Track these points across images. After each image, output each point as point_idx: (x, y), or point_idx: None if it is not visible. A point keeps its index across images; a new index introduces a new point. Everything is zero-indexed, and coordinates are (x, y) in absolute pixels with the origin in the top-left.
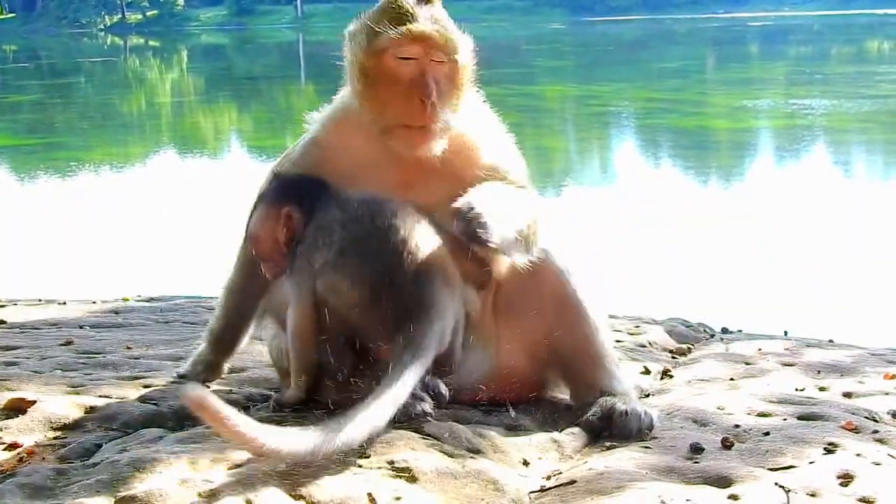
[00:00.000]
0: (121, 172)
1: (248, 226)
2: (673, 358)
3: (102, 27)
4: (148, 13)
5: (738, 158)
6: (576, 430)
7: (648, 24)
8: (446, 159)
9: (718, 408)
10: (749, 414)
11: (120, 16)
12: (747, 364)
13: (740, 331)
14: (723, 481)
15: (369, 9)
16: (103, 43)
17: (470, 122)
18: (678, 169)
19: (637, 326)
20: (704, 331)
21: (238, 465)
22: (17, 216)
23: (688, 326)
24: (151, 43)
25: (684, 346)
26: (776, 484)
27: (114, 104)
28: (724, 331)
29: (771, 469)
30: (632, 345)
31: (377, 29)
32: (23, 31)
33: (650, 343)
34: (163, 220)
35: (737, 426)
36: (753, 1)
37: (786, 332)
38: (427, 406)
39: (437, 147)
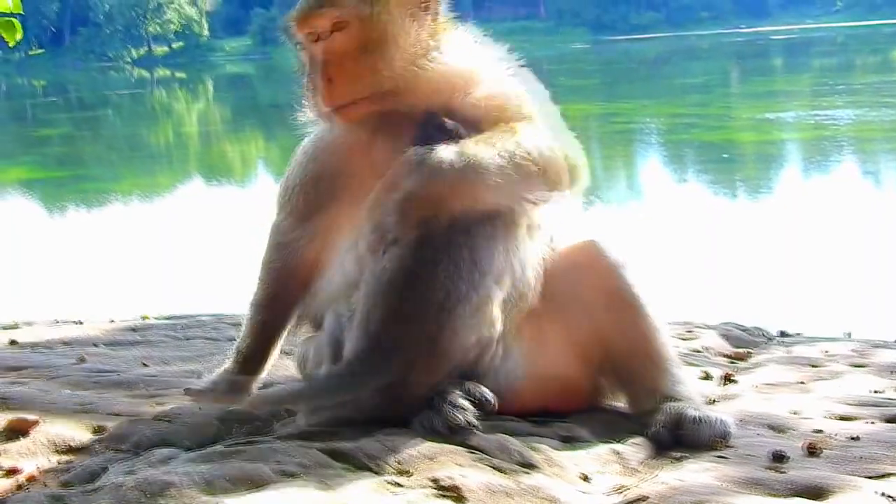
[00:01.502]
0: (148, 202)
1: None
2: (731, 363)
3: (129, 60)
4: (174, 45)
5: (765, 171)
6: (639, 440)
7: (671, 41)
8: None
9: (793, 412)
10: (829, 418)
11: (146, 49)
12: (814, 367)
13: (799, 334)
14: (816, 492)
15: None
16: (130, 76)
17: (447, 62)
18: (706, 181)
19: (689, 331)
20: (762, 334)
21: (259, 486)
22: (45, 244)
23: (743, 330)
24: (178, 74)
25: (742, 350)
26: (881, 493)
27: (141, 136)
28: (783, 334)
29: (869, 477)
30: (686, 350)
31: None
32: (51, 66)
33: (705, 348)
34: (190, 243)
35: (819, 431)
36: (776, 14)
37: (849, 334)
38: (471, 416)
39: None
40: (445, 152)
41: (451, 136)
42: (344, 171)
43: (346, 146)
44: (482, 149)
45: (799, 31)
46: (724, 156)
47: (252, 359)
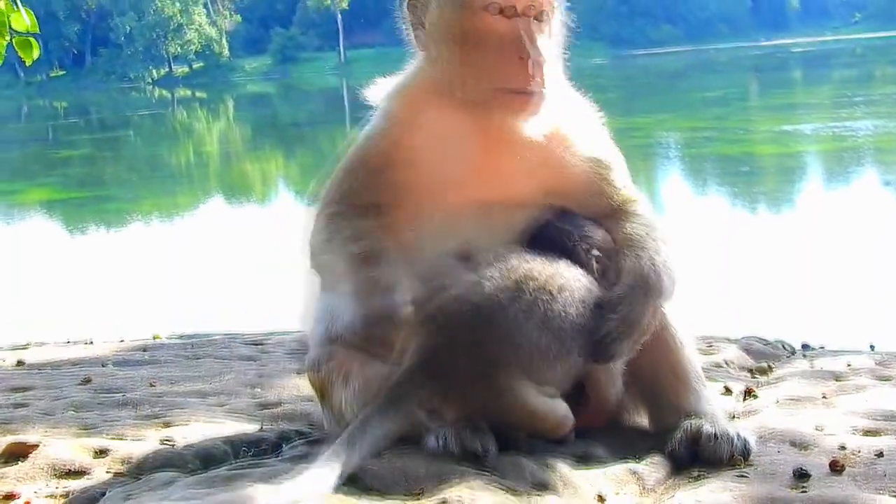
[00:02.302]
0: (168, 222)
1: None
2: (753, 377)
3: (150, 81)
4: (194, 65)
5: (785, 183)
6: (658, 458)
7: (690, 56)
8: (542, 144)
9: (817, 428)
10: (854, 433)
11: (167, 69)
12: (838, 380)
13: (822, 347)
14: None
15: None
16: (151, 96)
17: (562, 99)
18: (726, 194)
19: (710, 345)
20: (784, 347)
21: None
22: (64, 264)
23: (765, 344)
24: (198, 94)
25: (764, 364)
26: None
27: (162, 156)
28: (805, 347)
29: (894, 495)
30: (707, 365)
31: None
32: (73, 88)
33: (726, 362)
34: (208, 262)
35: (843, 447)
36: (794, 27)
37: (872, 347)
38: (489, 441)
39: (541, 118)
40: (661, 280)
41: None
42: (406, 155)
43: (420, 130)
44: (670, 269)
45: (818, 44)
46: (744, 169)
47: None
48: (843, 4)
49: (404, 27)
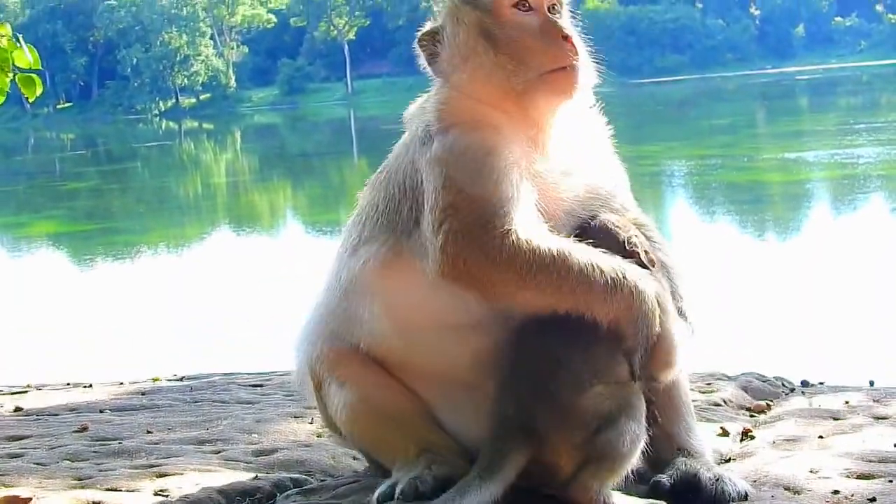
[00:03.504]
0: (176, 254)
1: None
2: (752, 416)
3: (157, 112)
4: (201, 97)
5: (793, 210)
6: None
7: (697, 83)
8: (576, 140)
9: (811, 471)
10: (848, 477)
11: (174, 100)
12: (836, 420)
13: (822, 383)
14: None
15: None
16: (158, 128)
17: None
18: (731, 223)
19: (709, 384)
20: (783, 385)
21: None
22: (70, 299)
23: (764, 381)
24: (205, 126)
25: (763, 402)
26: None
27: (169, 187)
28: (805, 384)
29: None
30: (705, 404)
31: None
32: (80, 120)
33: (725, 401)
34: (216, 299)
35: (836, 492)
36: (801, 55)
37: (871, 383)
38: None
39: (583, 90)
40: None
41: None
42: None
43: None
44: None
45: (824, 71)
46: (746, 198)
47: None
48: (848, 32)
49: (421, 62)
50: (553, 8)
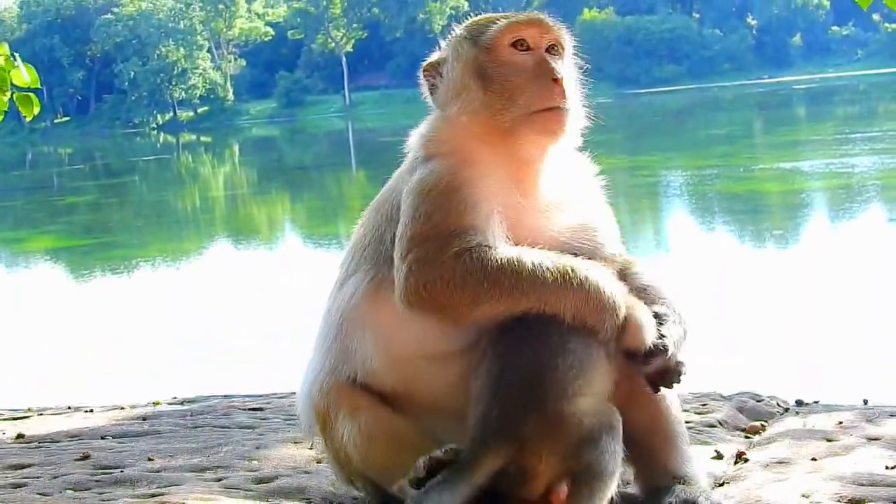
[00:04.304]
0: (174, 269)
1: None
2: (746, 437)
3: (155, 126)
4: (199, 110)
5: (789, 221)
6: None
7: (694, 94)
8: (562, 182)
9: (803, 495)
10: (839, 501)
11: (172, 114)
12: (829, 441)
13: (816, 402)
14: None
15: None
16: (156, 141)
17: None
18: (728, 234)
19: (704, 405)
20: (777, 405)
21: None
22: (68, 315)
23: (759, 401)
24: (203, 139)
25: (757, 423)
26: None
27: (168, 201)
28: (799, 403)
29: None
30: (700, 425)
31: (487, 24)
32: (77, 134)
33: (720, 422)
34: (215, 313)
35: None
36: (798, 64)
37: (865, 401)
38: None
39: (570, 134)
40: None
41: None
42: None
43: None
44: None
45: (820, 81)
46: (743, 208)
47: None
48: (844, 42)
49: (422, 92)
50: (552, 49)
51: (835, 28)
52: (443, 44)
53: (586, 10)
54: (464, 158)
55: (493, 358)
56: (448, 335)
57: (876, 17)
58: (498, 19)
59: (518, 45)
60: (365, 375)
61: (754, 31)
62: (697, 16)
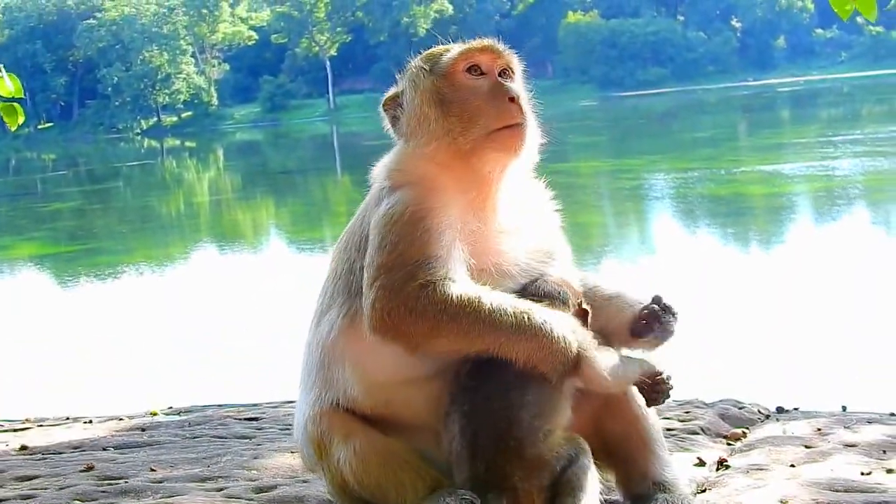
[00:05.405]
0: (160, 275)
1: None
2: (728, 444)
3: (139, 131)
4: (183, 115)
5: (772, 224)
6: None
7: (678, 96)
8: (520, 207)
9: (781, 501)
10: None
11: (155, 119)
12: (807, 447)
13: (796, 408)
14: None
15: (414, 60)
16: (140, 147)
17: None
18: (711, 237)
19: (687, 412)
20: (759, 411)
21: None
22: (55, 324)
23: (741, 408)
24: (187, 144)
25: (739, 430)
26: None
27: (153, 206)
28: (780, 410)
29: None
30: (683, 432)
31: (441, 54)
32: (61, 140)
33: (703, 429)
34: (202, 318)
35: None
36: (782, 66)
37: (844, 408)
38: None
39: (529, 150)
40: None
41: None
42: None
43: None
44: None
45: (804, 83)
46: (726, 210)
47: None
48: (828, 44)
49: (384, 125)
50: (504, 73)
51: (819, 31)
52: (399, 77)
53: (571, 12)
54: (428, 188)
55: (463, 419)
56: (419, 360)
57: (859, 19)
58: (451, 48)
59: (472, 70)
60: (346, 402)
61: (738, 34)
62: (682, 18)
